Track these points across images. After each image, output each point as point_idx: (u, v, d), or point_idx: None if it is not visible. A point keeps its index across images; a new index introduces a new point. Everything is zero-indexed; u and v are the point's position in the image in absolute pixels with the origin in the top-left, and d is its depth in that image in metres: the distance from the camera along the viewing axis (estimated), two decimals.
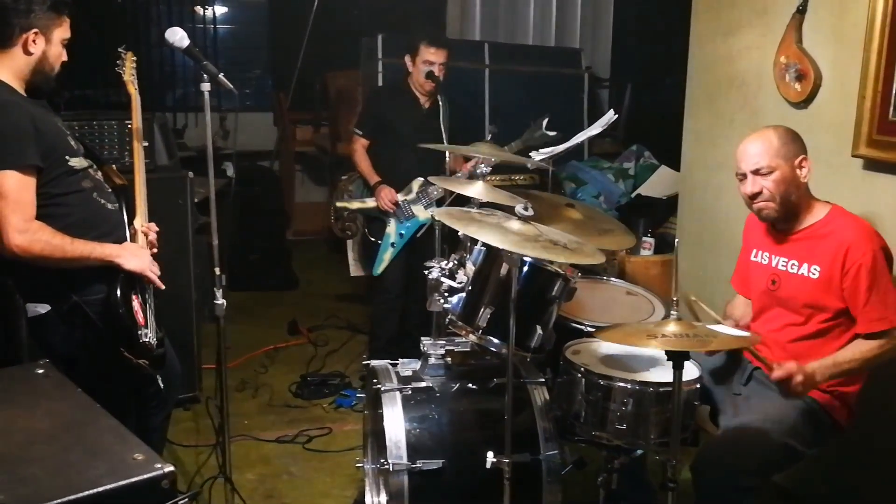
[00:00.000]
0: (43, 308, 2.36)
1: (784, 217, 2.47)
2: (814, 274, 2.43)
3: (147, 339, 2.40)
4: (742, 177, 2.47)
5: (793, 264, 2.49)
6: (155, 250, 2.59)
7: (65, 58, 2.45)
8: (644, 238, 4.31)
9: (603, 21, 7.54)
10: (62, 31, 2.40)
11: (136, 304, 2.42)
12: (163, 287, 2.53)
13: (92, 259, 2.34)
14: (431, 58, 3.91)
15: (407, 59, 4.01)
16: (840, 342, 2.41)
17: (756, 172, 2.42)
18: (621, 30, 7.52)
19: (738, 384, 2.60)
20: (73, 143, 2.42)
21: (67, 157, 2.36)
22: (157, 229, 2.63)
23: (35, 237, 2.23)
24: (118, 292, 2.35)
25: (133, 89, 2.76)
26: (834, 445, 2.51)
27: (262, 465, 3.41)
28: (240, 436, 3.56)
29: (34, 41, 2.33)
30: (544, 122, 3.52)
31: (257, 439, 3.62)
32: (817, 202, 2.50)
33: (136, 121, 2.73)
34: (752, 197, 2.45)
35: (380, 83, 5.36)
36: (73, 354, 2.34)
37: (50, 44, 2.37)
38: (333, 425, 3.75)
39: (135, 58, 2.84)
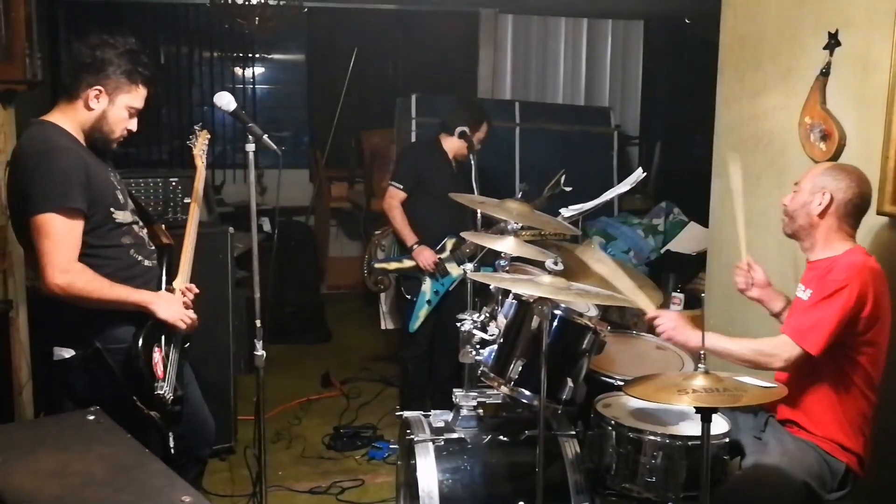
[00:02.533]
0: (68, 353, 2.44)
1: (793, 235, 2.62)
2: (805, 297, 2.51)
3: (161, 392, 2.44)
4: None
5: (800, 289, 2.59)
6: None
7: (132, 127, 2.53)
8: (674, 293, 4.36)
9: (632, 80, 7.70)
10: (131, 98, 2.49)
11: (157, 356, 2.47)
12: (183, 329, 2.55)
13: (128, 303, 2.42)
14: (484, 135, 4.16)
15: (467, 130, 4.10)
16: (822, 376, 2.47)
17: (795, 184, 2.61)
18: (650, 88, 7.66)
19: (757, 429, 2.64)
20: (120, 197, 2.53)
21: (112, 210, 2.46)
22: (197, 291, 2.70)
23: (76, 278, 2.32)
24: (140, 343, 2.42)
25: (200, 163, 2.91)
26: (859, 494, 2.52)
27: None
28: (274, 486, 3.61)
29: (97, 98, 2.43)
30: (562, 179, 3.64)
31: (291, 490, 3.67)
32: (841, 241, 2.54)
33: (198, 190, 2.85)
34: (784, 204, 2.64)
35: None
36: (92, 398, 2.34)
37: (112, 105, 2.46)
38: (366, 477, 3.80)
39: (209, 136, 2.97)
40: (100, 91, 2.44)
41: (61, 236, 2.32)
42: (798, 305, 2.56)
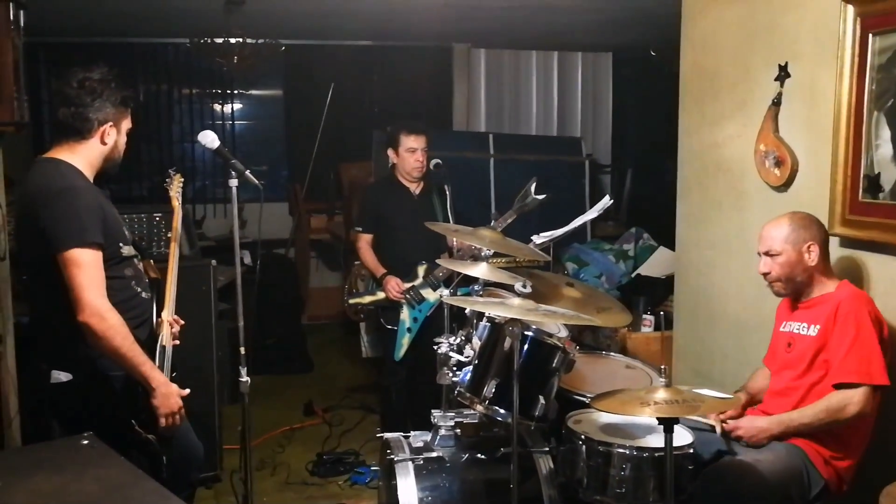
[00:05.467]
0: (65, 376, 2.52)
1: (794, 293, 2.77)
2: (814, 332, 2.68)
3: None
4: (759, 255, 2.79)
5: (803, 327, 2.75)
6: (177, 342, 2.76)
7: (125, 145, 2.70)
8: (644, 316, 4.51)
9: (602, 110, 7.91)
10: (127, 123, 2.68)
11: None
12: (163, 424, 2.56)
13: (135, 371, 2.47)
14: (413, 144, 4.21)
15: (390, 152, 4.31)
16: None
17: (767, 254, 2.74)
18: (620, 118, 7.88)
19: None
20: (126, 232, 2.66)
21: (121, 245, 2.58)
22: (183, 323, 2.82)
23: (109, 333, 2.39)
24: None
25: (177, 204, 3.06)
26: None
27: None
28: None
29: (109, 133, 2.59)
30: (532, 187, 3.71)
31: None
32: (829, 278, 2.77)
33: (176, 228, 3.00)
34: (764, 275, 2.76)
35: None
36: (84, 422, 2.38)
37: (120, 134, 2.64)
38: (349, 501, 3.89)
39: (182, 179, 3.14)
40: (111, 125, 2.59)
41: (93, 269, 2.42)
42: (818, 344, 2.67)
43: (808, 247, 2.71)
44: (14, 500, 1.80)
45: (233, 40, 5.60)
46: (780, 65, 3.22)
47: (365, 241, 4.33)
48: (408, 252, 4.23)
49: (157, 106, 7.60)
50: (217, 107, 7.80)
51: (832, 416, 2.56)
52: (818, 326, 2.67)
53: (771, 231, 2.76)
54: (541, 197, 3.69)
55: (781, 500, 2.53)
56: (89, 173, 2.59)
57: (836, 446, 2.63)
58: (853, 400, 2.53)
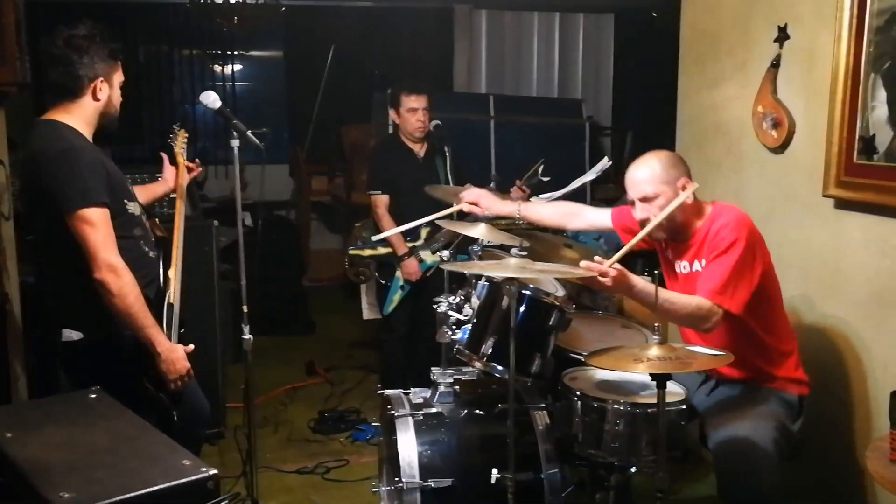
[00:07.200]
0: (76, 335, 2.56)
1: (673, 236, 2.70)
2: (700, 267, 2.66)
3: None
4: (632, 203, 2.71)
5: (685, 265, 2.72)
6: (200, 170, 3.08)
7: (120, 99, 2.71)
8: (642, 277, 4.54)
9: (603, 72, 7.90)
10: (119, 76, 2.68)
11: None
12: (171, 388, 2.61)
13: (142, 332, 2.50)
14: (414, 104, 4.19)
15: (392, 113, 4.31)
16: (748, 329, 2.66)
17: (643, 200, 2.65)
18: (621, 80, 7.85)
19: (706, 390, 2.83)
20: (130, 188, 2.70)
21: (126, 201, 2.61)
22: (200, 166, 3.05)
23: (124, 291, 2.44)
24: None
25: (182, 160, 3.09)
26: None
27: (285, 495, 3.63)
28: (263, 467, 3.76)
29: (100, 88, 2.60)
30: (540, 169, 3.76)
31: (279, 471, 3.84)
32: (704, 206, 2.71)
33: (182, 186, 3.03)
34: (642, 223, 2.64)
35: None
36: (97, 380, 2.40)
37: (112, 88, 2.65)
38: (350, 457, 3.97)
39: (187, 134, 3.17)
40: (102, 80, 2.60)
41: (104, 227, 2.45)
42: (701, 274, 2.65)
43: (684, 183, 2.61)
44: (26, 450, 1.86)
45: (233, 0, 5.58)
46: (779, 26, 3.23)
47: (384, 206, 4.25)
48: (413, 213, 4.24)
49: (158, 67, 7.58)
50: (217, 68, 7.79)
51: (693, 320, 2.53)
52: (705, 260, 2.63)
53: (639, 174, 2.64)
54: (546, 179, 3.75)
55: (786, 439, 2.58)
56: (87, 132, 2.60)
57: (782, 364, 2.70)
58: (714, 319, 2.50)
